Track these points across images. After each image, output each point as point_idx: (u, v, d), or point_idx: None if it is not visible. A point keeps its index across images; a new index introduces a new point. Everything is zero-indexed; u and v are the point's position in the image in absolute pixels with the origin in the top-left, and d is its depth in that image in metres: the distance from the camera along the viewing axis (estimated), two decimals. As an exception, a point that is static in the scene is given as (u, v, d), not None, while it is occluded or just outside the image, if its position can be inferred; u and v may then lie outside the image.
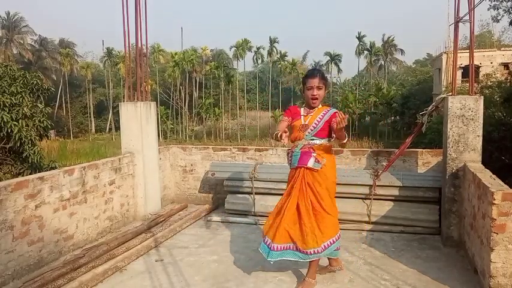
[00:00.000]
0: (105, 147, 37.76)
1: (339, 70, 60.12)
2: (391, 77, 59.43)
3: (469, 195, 4.17)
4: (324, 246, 3.48)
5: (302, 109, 3.69)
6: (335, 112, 3.51)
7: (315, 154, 3.52)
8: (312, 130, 3.55)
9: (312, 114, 3.61)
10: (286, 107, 4.06)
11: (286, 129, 3.41)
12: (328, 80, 3.71)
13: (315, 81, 3.52)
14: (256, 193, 5.81)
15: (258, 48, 58.29)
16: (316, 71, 3.62)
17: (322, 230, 3.46)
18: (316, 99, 3.55)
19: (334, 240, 3.57)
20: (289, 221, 3.49)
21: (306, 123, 3.58)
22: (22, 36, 54.07)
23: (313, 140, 3.56)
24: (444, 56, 32.92)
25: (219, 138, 48.52)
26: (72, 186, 4.64)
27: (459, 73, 23.19)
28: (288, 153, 3.71)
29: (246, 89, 57.55)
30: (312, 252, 3.45)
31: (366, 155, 6.02)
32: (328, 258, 3.83)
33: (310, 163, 3.49)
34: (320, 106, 3.63)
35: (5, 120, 7.46)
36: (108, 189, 5.28)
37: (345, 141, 3.49)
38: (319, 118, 3.57)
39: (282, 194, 5.32)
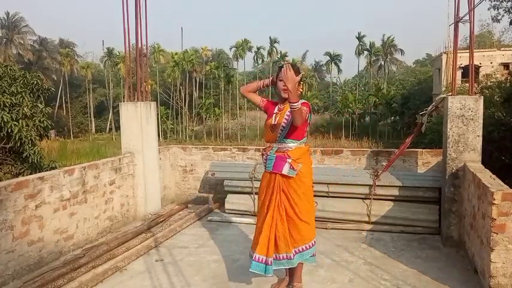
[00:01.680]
0: (105, 147, 37.74)
1: (339, 70, 60.13)
2: (390, 77, 59.41)
3: (469, 195, 4.17)
4: (295, 251, 3.36)
5: (277, 107, 3.48)
6: (303, 103, 3.25)
7: (290, 160, 3.33)
8: (282, 131, 3.34)
9: (282, 112, 3.39)
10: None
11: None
12: (303, 74, 3.42)
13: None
14: (256, 193, 5.79)
15: (258, 49, 58.26)
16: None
17: (294, 236, 3.35)
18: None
19: (309, 246, 3.42)
20: (268, 232, 3.36)
21: (275, 123, 3.39)
22: (22, 36, 54.05)
23: (286, 142, 3.36)
24: (444, 56, 32.93)
25: (219, 138, 48.49)
26: (72, 186, 4.64)
27: (459, 73, 23.20)
28: (262, 155, 3.55)
29: (246, 89, 57.42)
30: (283, 258, 3.33)
31: (365, 155, 6.03)
32: (290, 275, 3.61)
33: (285, 170, 3.33)
34: None
35: (5, 120, 7.45)
36: (108, 189, 5.28)
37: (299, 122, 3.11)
38: (287, 115, 3.30)
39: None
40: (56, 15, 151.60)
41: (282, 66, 3.32)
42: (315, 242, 3.50)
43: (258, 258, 3.36)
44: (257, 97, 3.65)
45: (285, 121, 3.34)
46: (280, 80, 3.31)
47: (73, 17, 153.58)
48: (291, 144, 3.37)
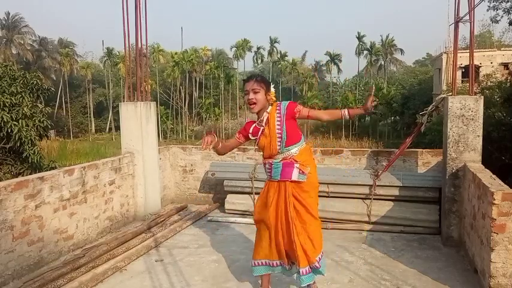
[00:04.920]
0: (105, 147, 37.76)
1: (339, 70, 60.18)
2: (390, 77, 59.40)
3: (469, 195, 4.17)
4: (319, 258, 3.25)
5: (255, 124, 3.30)
6: (290, 103, 3.20)
7: (297, 165, 3.19)
8: (280, 142, 3.18)
9: (268, 123, 3.22)
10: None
11: (213, 140, 3.20)
12: (270, 83, 3.26)
13: (249, 85, 3.20)
14: (256, 193, 5.80)
15: (258, 48, 58.34)
16: (253, 76, 3.27)
17: (315, 243, 3.23)
18: (254, 103, 3.19)
19: (322, 254, 3.32)
20: (284, 240, 3.25)
21: (269, 137, 3.21)
22: (22, 36, 54.04)
23: (289, 150, 3.20)
24: (444, 56, 32.94)
25: (219, 138, 48.50)
26: (72, 186, 4.64)
27: (459, 73, 23.21)
28: (265, 164, 3.34)
29: (246, 89, 57.40)
30: (305, 272, 3.18)
31: (366, 155, 6.02)
32: None
33: (295, 176, 3.19)
34: (270, 108, 3.25)
35: (5, 120, 7.47)
36: (108, 189, 5.28)
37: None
38: (278, 122, 3.19)
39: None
40: (55, 15, 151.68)
41: (245, 80, 3.32)
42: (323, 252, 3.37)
43: (275, 263, 3.27)
44: (234, 142, 3.47)
45: (279, 131, 3.19)
46: (245, 95, 3.25)
47: (73, 16, 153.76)
48: (294, 150, 3.22)
